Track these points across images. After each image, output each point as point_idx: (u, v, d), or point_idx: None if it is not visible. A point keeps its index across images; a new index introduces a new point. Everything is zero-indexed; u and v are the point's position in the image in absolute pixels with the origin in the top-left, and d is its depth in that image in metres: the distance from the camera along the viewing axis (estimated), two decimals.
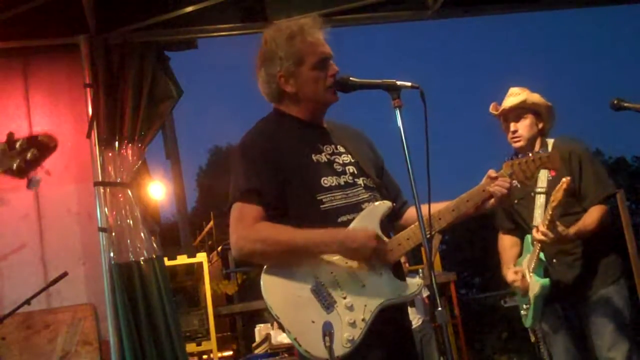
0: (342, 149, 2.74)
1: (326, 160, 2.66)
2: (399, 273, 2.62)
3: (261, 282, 2.52)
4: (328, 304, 2.47)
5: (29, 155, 2.22)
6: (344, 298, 2.48)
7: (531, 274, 3.77)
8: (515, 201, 3.92)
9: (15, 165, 2.22)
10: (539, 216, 3.74)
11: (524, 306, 3.88)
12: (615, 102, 3.72)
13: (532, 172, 2.78)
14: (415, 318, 8.01)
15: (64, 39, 5.26)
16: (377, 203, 2.63)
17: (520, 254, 3.99)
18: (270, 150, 2.61)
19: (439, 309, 2.45)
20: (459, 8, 5.82)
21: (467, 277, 30.23)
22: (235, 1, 5.52)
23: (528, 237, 3.85)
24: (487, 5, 5.85)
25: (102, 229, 4.96)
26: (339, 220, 2.57)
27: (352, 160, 2.72)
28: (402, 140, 2.54)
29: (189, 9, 5.33)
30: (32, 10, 5.02)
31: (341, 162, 2.69)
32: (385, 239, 2.59)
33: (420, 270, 9.40)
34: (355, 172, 2.69)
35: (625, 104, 3.71)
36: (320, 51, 2.68)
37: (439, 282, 3.03)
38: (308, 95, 2.70)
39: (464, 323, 13.39)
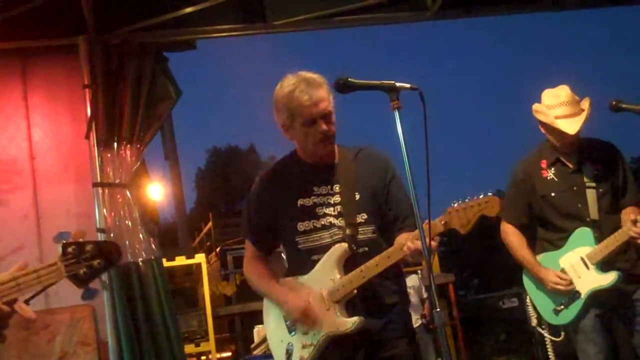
0: (336, 189, 3.05)
1: (311, 204, 3.05)
2: (364, 304, 2.97)
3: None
4: (291, 329, 3.06)
5: (95, 264, 2.21)
6: (302, 325, 3.01)
7: (591, 267, 3.86)
8: (552, 194, 3.99)
9: (82, 272, 2.20)
10: (596, 211, 3.90)
11: (564, 301, 3.92)
12: (614, 103, 3.75)
13: (469, 219, 2.85)
14: (412, 319, 8.00)
15: (62, 40, 5.24)
16: (335, 247, 2.98)
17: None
18: (266, 203, 3.16)
19: (437, 310, 2.47)
20: (459, 9, 5.81)
21: (465, 279, 30.23)
22: (235, 2, 5.51)
23: (581, 231, 3.93)
24: (487, 6, 5.85)
25: (101, 230, 4.96)
26: (312, 258, 3.03)
27: (340, 200, 3.03)
28: (401, 142, 2.56)
29: (188, 9, 5.32)
30: (31, 11, 5.00)
31: (326, 202, 3.04)
32: (335, 283, 2.96)
33: (419, 271, 9.39)
34: (338, 212, 3.02)
35: (624, 105, 3.73)
36: (308, 112, 2.95)
37: (438, 284, 3.08)
38: (301, 146, 3.12)
39: (462, 324, 13.37)
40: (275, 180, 3.20)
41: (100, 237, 4.95)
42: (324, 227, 3.02)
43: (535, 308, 4.11)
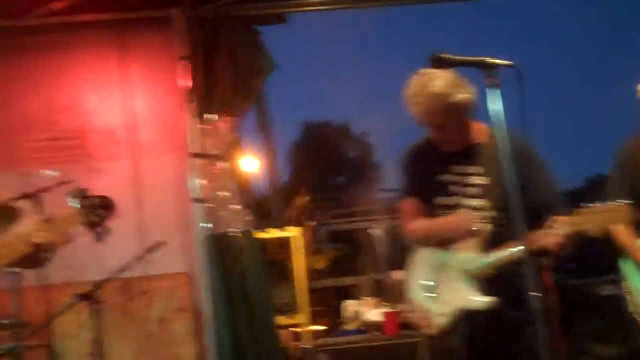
0: (475, 170, 3.09)
1: (446, 181, 3.12)
2: (498, 288, 3.00)
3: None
4: (432, 297, 3.15)
5: (102, 213, 2.96)
6: (442, 295, 3.12)
7: None
8: None
9: (95, 220, 2.95)
10: None
11: None
12: None
13: (603, 224, 2.82)
14: None
15: (158, 12, 5.32)
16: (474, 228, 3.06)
17: None
18: (413, 176, 3.30)
19: (534, 294, 2.46)
20: None
21: (562, 263, 29.44)
22: None
23: None
24: None
25: (197, 200, 5.07)
26: None
27: (482, 182, 3.07)
28: (498, 122, 2.50)
29: None
30: None
31: (463, 183, 3.10)
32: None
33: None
34: (478, 193, 3.07)
35: None
36: (421, 121, 3.07)
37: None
38: None
39: (558, 310, 13.01)
40: (417, 157, 3.30)
41: (197, 207, 5.05)
42: (457, 206, 3.10)
43: (634, 295, 3.93)
